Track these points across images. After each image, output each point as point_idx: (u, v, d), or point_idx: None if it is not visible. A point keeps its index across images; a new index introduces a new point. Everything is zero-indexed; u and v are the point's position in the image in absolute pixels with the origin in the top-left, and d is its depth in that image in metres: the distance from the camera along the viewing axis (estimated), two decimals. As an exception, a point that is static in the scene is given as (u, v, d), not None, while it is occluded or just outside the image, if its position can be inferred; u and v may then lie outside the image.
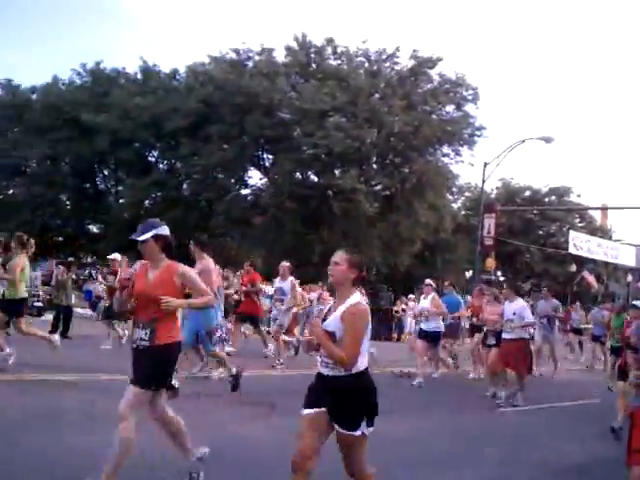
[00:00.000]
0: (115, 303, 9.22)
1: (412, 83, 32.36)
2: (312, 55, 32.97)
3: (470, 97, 32.76)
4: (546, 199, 43.24)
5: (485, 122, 41.51)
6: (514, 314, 9.29)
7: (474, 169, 46.08)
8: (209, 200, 33.50)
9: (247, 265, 13.83)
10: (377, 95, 31.81)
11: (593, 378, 14.26)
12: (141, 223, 4.47)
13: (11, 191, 37.31)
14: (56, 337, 9.57)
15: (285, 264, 11.71)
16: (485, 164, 26.10)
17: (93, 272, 23.87)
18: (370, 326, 3.73)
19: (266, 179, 33.97)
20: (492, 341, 10.20)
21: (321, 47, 32.82)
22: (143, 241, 4.34)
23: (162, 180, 33.76)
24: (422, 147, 31.91)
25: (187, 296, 4.51)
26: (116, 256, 12.68)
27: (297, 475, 3.54)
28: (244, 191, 34.83)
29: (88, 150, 33.04)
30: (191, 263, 7.44)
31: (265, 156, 34.29)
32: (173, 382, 7.63)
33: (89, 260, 37.21)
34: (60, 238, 37.78)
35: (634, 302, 8.22)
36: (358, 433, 3.58)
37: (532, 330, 11.70)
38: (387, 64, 32.78)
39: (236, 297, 14.92)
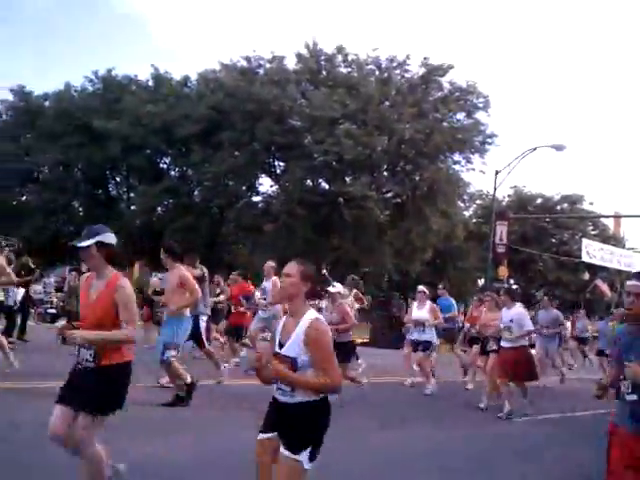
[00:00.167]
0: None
1: (423, 91, 32.28)
2: (323, 63, 33.01)
3: (481, 105, 32.66)
4: (558, 207, 42.97)
5: (496, 130, 41.19)
6: (511, 321, 9.16)
7: (485, 177, 45.80)
8: (220, 207, 33.65)
9: (234, 274, 13.71)
10: (387, 103, 31.73)
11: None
12: (85, 229, 4.14)
13: (24, 197, 37.61)
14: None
15: (270, 264, 11.52)
16: (496, 172, 25.99)
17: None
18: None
19: (277, 186, 34.04)
20: (493, 346, 9.97)
21: (332, 55, 32.88)
22: (84, 247, 3.99)
23: (174, 187, 33.89)
24: (433, 154, 31.77)
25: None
26: None
27: None
28: (255, 198, 34.98)
29: (100, 156, 33.28)
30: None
31: (276, 163, 34.38)
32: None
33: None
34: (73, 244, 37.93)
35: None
36: (300, 458, 3.32)
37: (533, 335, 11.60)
38: (398, 72, 32.78)
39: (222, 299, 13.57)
